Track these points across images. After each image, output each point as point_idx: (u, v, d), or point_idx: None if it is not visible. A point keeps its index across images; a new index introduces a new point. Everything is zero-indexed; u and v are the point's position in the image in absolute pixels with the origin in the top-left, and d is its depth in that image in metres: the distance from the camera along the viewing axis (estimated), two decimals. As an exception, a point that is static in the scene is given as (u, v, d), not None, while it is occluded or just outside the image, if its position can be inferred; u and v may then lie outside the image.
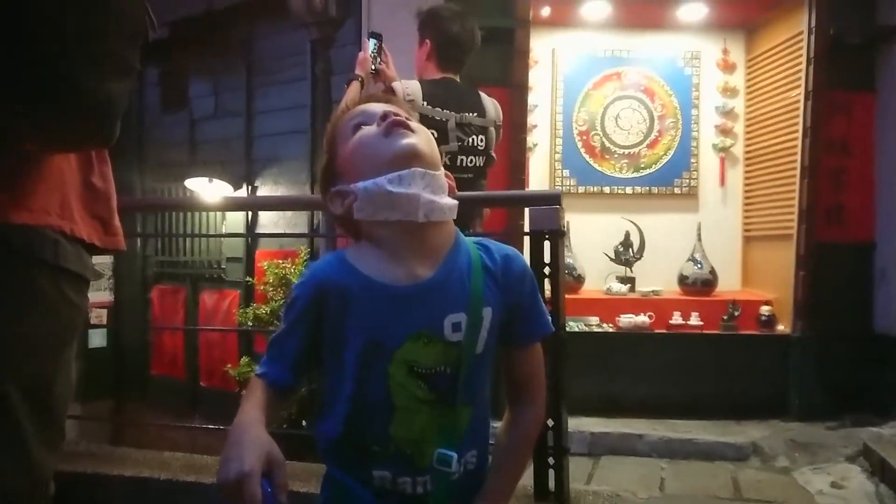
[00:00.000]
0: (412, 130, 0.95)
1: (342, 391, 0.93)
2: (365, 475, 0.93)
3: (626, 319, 3.84)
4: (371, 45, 2.49)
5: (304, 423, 3.03)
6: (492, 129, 2.56)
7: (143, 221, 5.13)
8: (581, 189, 4.49)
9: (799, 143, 3.77)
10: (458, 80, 2.58)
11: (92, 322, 5.06)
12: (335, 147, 1.01)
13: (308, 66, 4.09)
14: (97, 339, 5.10)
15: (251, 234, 4.55)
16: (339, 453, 0.96)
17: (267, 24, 4.42)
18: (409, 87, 2.42)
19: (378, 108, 0.98)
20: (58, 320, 0.89)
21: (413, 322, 0.91)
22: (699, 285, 4.14)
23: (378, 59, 2.49)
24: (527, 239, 1.93)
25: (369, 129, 0.96)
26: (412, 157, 0.92)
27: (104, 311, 5.10)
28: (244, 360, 4.07)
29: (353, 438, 0.93)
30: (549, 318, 1.02)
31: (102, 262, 5.08)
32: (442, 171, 0.96)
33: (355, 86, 2.46)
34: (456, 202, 0.96)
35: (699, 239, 4.26)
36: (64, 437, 0.94)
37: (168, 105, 5.02)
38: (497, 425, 1.01)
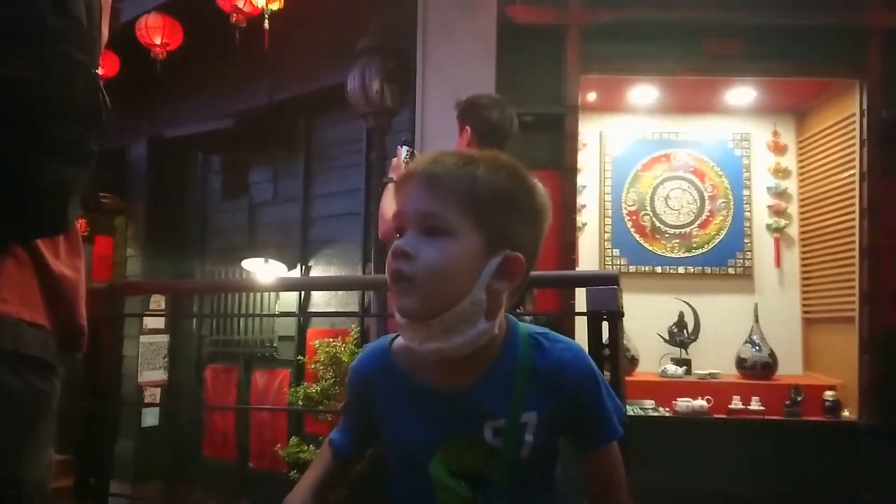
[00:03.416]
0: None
1: (394, 474, 0.96)
2: None
3: (684, 403, 3.73)
4: (403, 152, 2.60)
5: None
6: None
7: (200, 302, 5.27)
8: (632, 269, 4.47)
9: (856, 224, 3.72)
10: None
11: (146, 401, 5.13)
12: None
13: (363, 152, 4.24)
14: (150, 418, 5.13)
15: (302, 314, 4.61)
16: None
17: (325, 114, 4.62)
18: None
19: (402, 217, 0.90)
20: (18, 409, 0.83)
21: (451, 427, 0.90)
22: (759, 369, 4.00)
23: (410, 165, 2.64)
24: (581, 320, 1.92)
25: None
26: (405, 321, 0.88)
27: (157, 390, 5.17)
28: (293, 440, 4.07)
29: None
30: (616, 421, 0.94)
31: (159, 341, 5.20)
32: (464, 304, 0.85)
33: (390, 188, 2.55)
34: (484, 327, 0.87)
35: (756, 321, 4.16)
36: None
37: (229, 191, 5.22)
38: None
